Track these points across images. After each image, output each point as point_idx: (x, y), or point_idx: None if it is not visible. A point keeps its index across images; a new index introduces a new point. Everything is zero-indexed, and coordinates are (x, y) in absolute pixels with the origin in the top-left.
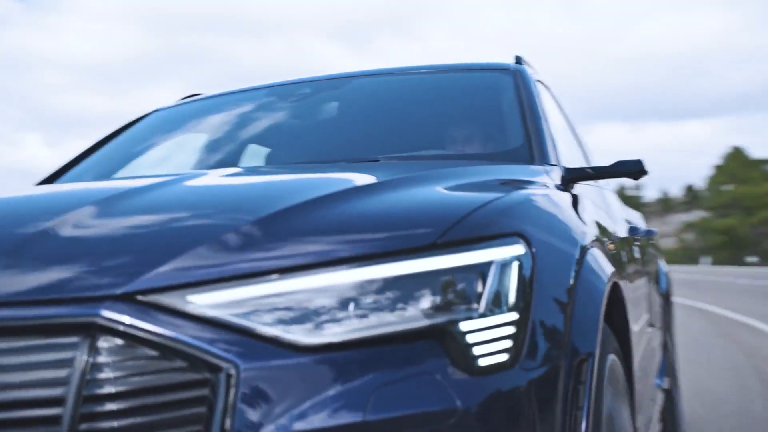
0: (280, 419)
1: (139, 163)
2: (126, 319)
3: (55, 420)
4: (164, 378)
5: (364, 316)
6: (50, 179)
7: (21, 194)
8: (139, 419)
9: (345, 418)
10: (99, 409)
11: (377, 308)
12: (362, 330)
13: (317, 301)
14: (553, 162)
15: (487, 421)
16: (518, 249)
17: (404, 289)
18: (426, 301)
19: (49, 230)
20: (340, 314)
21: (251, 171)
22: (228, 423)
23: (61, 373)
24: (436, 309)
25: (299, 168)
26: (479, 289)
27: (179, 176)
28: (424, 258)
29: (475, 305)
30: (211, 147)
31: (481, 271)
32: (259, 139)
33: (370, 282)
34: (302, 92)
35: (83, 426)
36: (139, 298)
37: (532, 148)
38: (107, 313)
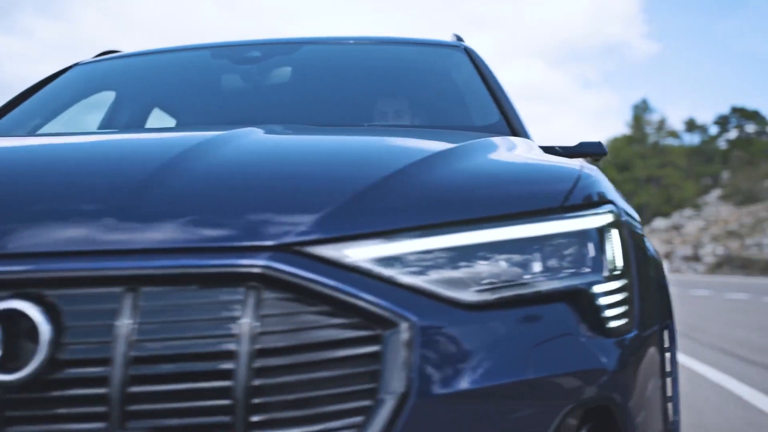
0: (447, 375)
1: (65, 119)
2: (294, 270)
3: (227, 374)
4: (333, 333)
5: (503, 276)
6: None
7: (107, 140)
8: (308, 375)
9: (510, 377)
10: (269, 363)
11: (516, 269)
12: (506, 288)
13: (468, 259)
14: (530, 138)
15: (623, 379)
16: (614, 213)
17: (541, 249)
18: (560, 262)
19: (177, 178)
20: (490, 273)
21: (301, 130)
22: (401, 379)
23: (230, 325)
24: (571, 270)
25: (341, 130)
26: (598, 251)
27: (238, 132)
28: (553, 220)
29: (600, 269)
30: (144, 106)
31: (595, 234)
32: (202, 100)
33: (513, 242)
34: (251, 55)
35: (256, 381)
36: (302, 249)
37: (511, 123)
38: (275, 264)
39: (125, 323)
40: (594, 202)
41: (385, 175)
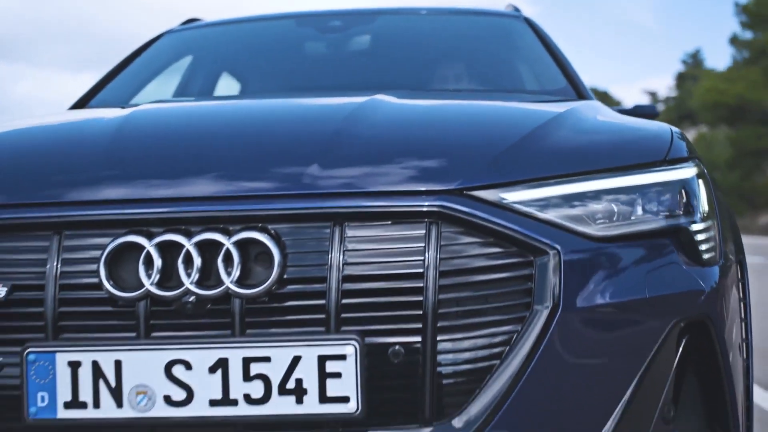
0: (585, 293)
1: (163, 83)
2: (465, 208)
3: (418, 291)
4: (496, 259)
5: (626, 214)
6: (80, 104)
7: (291, 103)
8: (478, 292)
9: (634, 294)
10: (448, 282)
11: (635, 209)
12: (626, 225)
13: (595, 202)
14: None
15: (718, 301)
16: (699, 167)
17: (649, 195)
18: (665, 205)
19: (360, 132)
20: (610, 213)
21: (427, 95)
22: (550, 295)
23: (416, 252)
24: (674, 212)
25: (461, 94)
26: (692, 198)
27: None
28: (658, 172)
29: (695, 211)
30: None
31: (691, 184)
32: (290, 67)
33: (624, 189)
34: (332, 24)
35: (441, 296)
36: (467, 191)
37: (577, 88)
38: (449, 204)
39: (336, 251)
40: (685, 156)
41: (524, 135)
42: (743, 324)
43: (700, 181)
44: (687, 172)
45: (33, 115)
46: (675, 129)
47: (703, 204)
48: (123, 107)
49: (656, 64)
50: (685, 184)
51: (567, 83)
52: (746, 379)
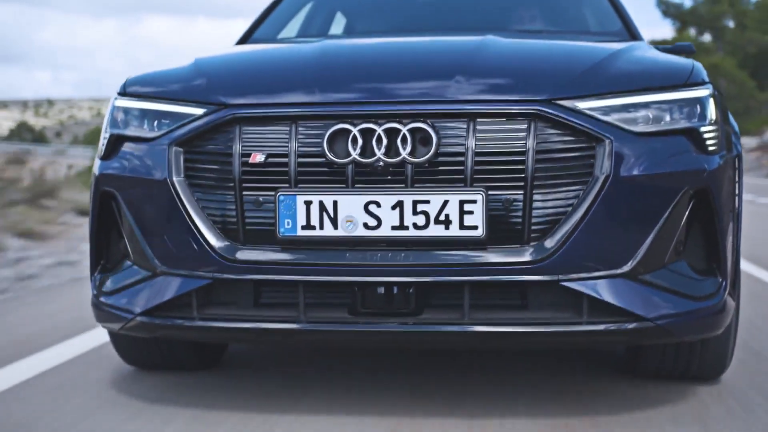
0: (627, 167)
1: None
2: (554, 111)
3: (522, 162)
4: (573, 144)
5: (657, 119)
6: (243, 39)
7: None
8: (560, 164)
9: (659, 169)
10: (541, 157)
11: (663, 116)
12: (656, 126)
13: (638, 110)
14: (644, 41)
15: (716, 178)
16: (711, 89)
17: (673, 107)
18: (683, 114)
19: (483, 56)
20: (646, 118)
21: (522, 35)
22: (607, 168)
23: (522, 139)
24: (689, 119)
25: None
26: (703, 109)
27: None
28: (681, 91)
29: (705, 118)
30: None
31: (704, 100)
32: (397, 14)
33: (657, 102)
34: None
35: (536, 166)
36: (554, 101)
37: (631, 30)
38: (542, 108)
39: (470, 138)
40: (700, 82)
41: (592, 64)
42: (735, 197)
43: (711, 99)
44: (701, 92)
45: (222, 48)
46: (697, 63)
47: (712, 114)
48: (280, 41)
49: None
50: (699, 101)
51: (623, 26)
52: (734, 238)
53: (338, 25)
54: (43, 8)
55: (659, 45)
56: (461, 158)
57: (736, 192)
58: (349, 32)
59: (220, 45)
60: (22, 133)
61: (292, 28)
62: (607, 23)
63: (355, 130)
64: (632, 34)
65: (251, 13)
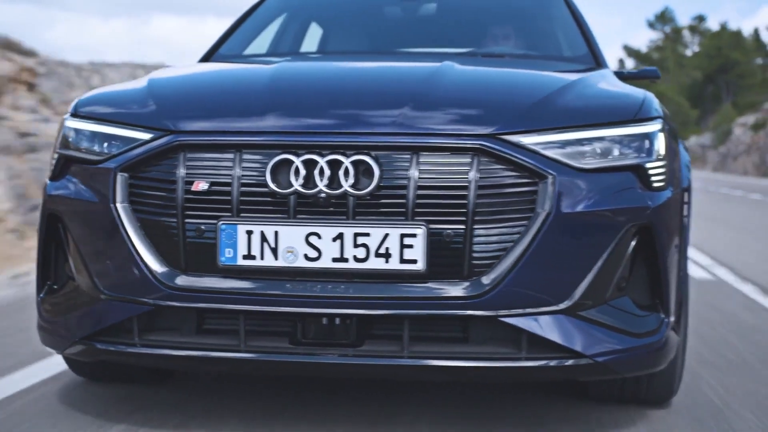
0: (569, 203)
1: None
2: (497, 146)
3: (464, 197)
4: (514, 179)
5: (602, 154)
6: (209, 55)
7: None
8: (502, 199)
9: (601, 206)
10: (483, 192)
11: (608, 152)
12: (602, 162)
13: (582, 146)
14: (608, 66)
15: (660, 214)
16: (662, 123)
17: (619, 143)
18: (630, 150)
19: (425, 92)
20: (592, 153)
21: (480, 62)
22: (549, 204)
23: (465, 173)
24: (635, 154)
25: (503, 62)
26: (651, 145)
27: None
28: (628, 127)
29: (651, 154)
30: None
31: (652, 135)
32: (370, 28)
33: (603, 138)
34: None
35: (478, 201)
36: (499, 136)
37: (595, 55)
38: (485, 144)
39: (413, 169)
40: (649, 117)
41: (541, 98)
42: (681, 233)
43: (661, 134)
44: (649, 127)
45: (184, 65)
46: (648, 95)
47: (660, 150)
48: (244, 58)
49: None
50: (647, 136)
51: (588, 51)
52: (680, 272)
53: (312, 35)
54: (52, 8)
55: (624, 71)
56: (403, 191)
57: (682, 226)
58: (324, 44)
59: (186, 61)
60: None
61: (265, 39)
62: (574, 47)
63: (297, 161)
64: (597, 60)
65: None
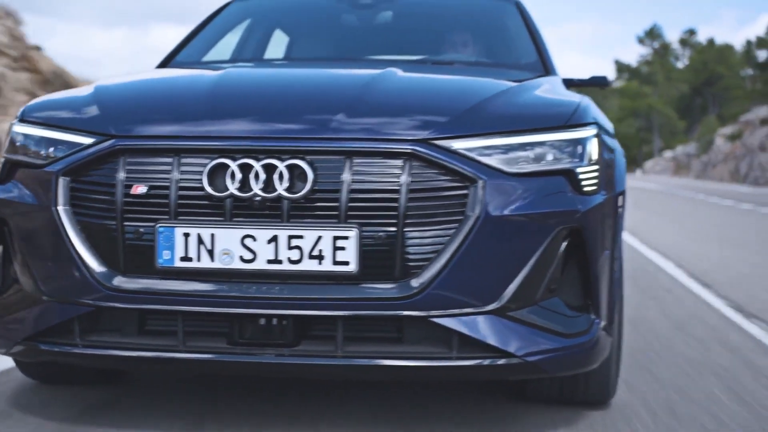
0: (499, 207)
1: (231, 44)
2: (428, 151)
3: (395, 200)
4: (446, 183)
5: (534, 159)
6: (167, 60)
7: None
8: (433, 203)
9: (531, 209)
10: (414, 196)
11: (540, 157)
12: (533, 166)
13: (514, 151)
14: (557, 74)
15: (590, 218)
16: (596, 129)
17: (551, 148)
18: (562, 155)
19: (363, 97)
20: (524, 158)
21: (425, 69)
22: (479, 208)
23: (396, 177)
24: (567, 159)
25: (447, 69)
26: (583, 150)
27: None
28: (560, 132)
29: (583, 159)
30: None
31: (584, 141)
32: (332, 35)
33: (535, 143)
34: (363, 1)
35: (409, 204)
36: (430, 141)
37: (545, 63)
38: (417, 148)
39: (346, 173)
40: (583, 123)
41: (475, 103)
42: (614, 236)
43: (594, 140)
44: (582, 133)
45: (138, 71)
46: (584, 102)
47: (592, 155)
48: (202, 64)
49: None
50: (579, 141)
51: (538, 59)
52: (613, 274)
53: (278, 41)
54: (53, 18)
55: (573, 78)
56: (336, 195)
57: (616, 229)
58: (289, 51)
59: (141, 68)
60: None
61: (228, 44)
62: (525, 54)
63: (233, 165)
64: (546, 67)
65: None
